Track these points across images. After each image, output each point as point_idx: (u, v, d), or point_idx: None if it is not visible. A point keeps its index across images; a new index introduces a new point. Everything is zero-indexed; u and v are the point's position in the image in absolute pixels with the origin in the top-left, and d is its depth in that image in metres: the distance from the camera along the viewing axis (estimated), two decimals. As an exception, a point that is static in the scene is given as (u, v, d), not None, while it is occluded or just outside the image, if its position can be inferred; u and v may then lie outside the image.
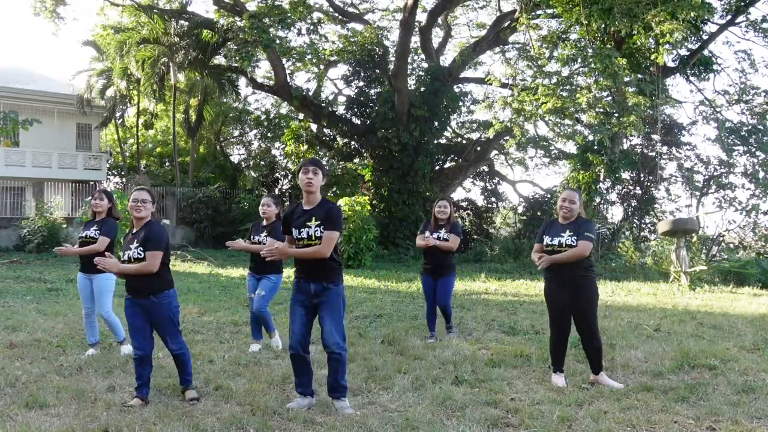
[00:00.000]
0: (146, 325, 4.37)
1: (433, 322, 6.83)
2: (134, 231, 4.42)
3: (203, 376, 5.03)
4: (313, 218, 4.19)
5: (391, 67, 21.67)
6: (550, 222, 5.07)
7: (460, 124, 26.99)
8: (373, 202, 20.68)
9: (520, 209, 27.43)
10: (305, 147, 26.35)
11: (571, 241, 4.78)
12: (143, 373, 4.38)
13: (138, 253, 4.31)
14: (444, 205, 6.86)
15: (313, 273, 4.21)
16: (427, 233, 6.73)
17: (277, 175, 27.62)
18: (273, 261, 5.83)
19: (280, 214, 6.02)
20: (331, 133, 25.44)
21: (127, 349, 5.85)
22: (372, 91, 23.36)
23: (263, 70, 26.07)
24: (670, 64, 17.75)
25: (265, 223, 6.16)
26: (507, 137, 19.50)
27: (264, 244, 5.87)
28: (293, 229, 4.25)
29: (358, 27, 24.39)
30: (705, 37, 18.12)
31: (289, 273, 6.66)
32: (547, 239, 4.89)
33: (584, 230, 4.81)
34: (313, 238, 4.17)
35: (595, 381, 4.91)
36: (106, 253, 4.32)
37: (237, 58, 19.23)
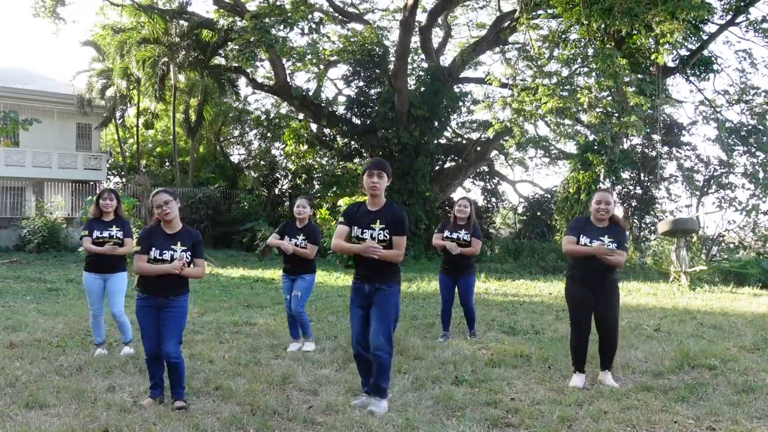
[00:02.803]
0: (157, 325, 4.36)
1: (448, 321, 6.81)
2: (170, 232, 4.36)
3: (203, 376, 5.03)
4: (378, 221, 4.25)
5: (391, 67, 21.66)
6: (584, 220, 5.00)
7: (460, 124, 26.98)
8: (373, 202, 20.63)
9: (520, 209, 27.47)
10: (305, 147, 26.36)
11: (612, 247, 4.77)
12: (157, 372, 4.39)
13: (188, 257, 4.33)
14: (465, 204, 6.72)
15: (370, 275, 4.28)
16: (447, 233, 6.64)
17: (277, 175, 27.60)
18: (307, 261, 6.03)
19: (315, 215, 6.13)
20: (331, 133, 25.43)
21: (130, 350, 5.86)
22: (372, 91, 23.35)
23: (263, 70, 26.09)
24: (670, 64, 17.76)
25: (299, 224, 6.13)
26: (507, 137, 19.51)
27: (301, 246, 6.01)
28: (355, 227, 4.27)
29: (358, 27, 24.38)
30: (705, 37, 18.13)
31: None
32: (584, 239, 4.82)
33: (623, 241, 4.84)
34: (377, 240, 4.23)
35: (600, 379, 4.90)
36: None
37: (239, 58, 19.23)
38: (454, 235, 6.61)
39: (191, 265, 4.36)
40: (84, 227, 5.89)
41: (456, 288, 6.79)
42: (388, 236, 4.24)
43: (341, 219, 4.39)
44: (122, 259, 5.94)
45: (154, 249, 4.29)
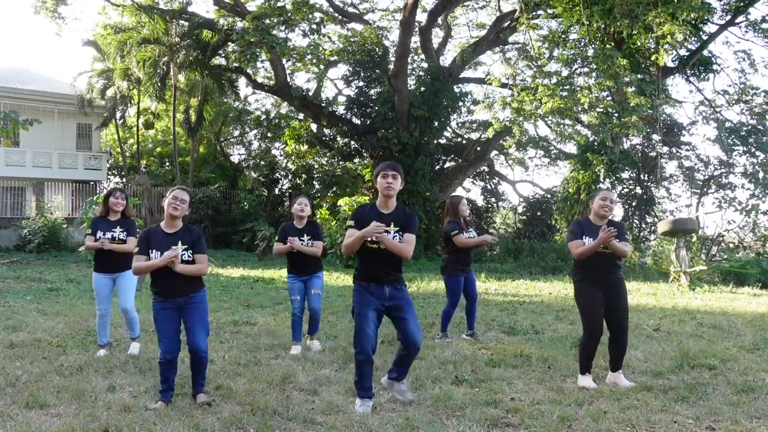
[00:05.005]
0: (178, 327, 4.37)
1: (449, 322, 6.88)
2: (170, 231, 4.37)
3: (203, 376, 5.03)
4: (392, 223, 4.22)
5: (391, 67, 21.67)
6: (583, 222, 5.01)
7: (460, 124, 27.00)
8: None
9: (520, 209, 27.49)
10: (305, 147, 26.37)
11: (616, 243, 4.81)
12: (170, 376, 4.36)
13: (188, 256, 4.33)
14: (466, 203, 7.01)
15: (388, 277, 4.23)
16: (467, 233, 6.74)
17: (277, 175, 27.61)
18: (317, 259, 6.08)
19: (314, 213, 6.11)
20: (331, 133, 25.44)
21: (137, 347, 5.87)
22: (372, 91, 23.36)
23: (264, 70, 26.11)
24: (670, 65, 17.76)
25: (299, 224, 6.11)
26: (507, 137, 19.53)
27: (309, 245, 6.03)
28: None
29: (358, 27, 24.40)
30: (705, 38, 18.13)
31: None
32: (587, 240, 4.84)
33: (623, 233, 4.89)
34: None
35: (613, 381, 4.90)
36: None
37: (240, 59, 19.22)
38: (471, 235, 6.75)
39: (193, 263, 4.36)
40: (91, 225, 5.86)
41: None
42: (400, 239, 4.25)
43: (350, 223, 4.27)
44: (129, 257, 5.94)
45: (153, 250, 4.29)
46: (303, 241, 6.05)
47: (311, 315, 6.22)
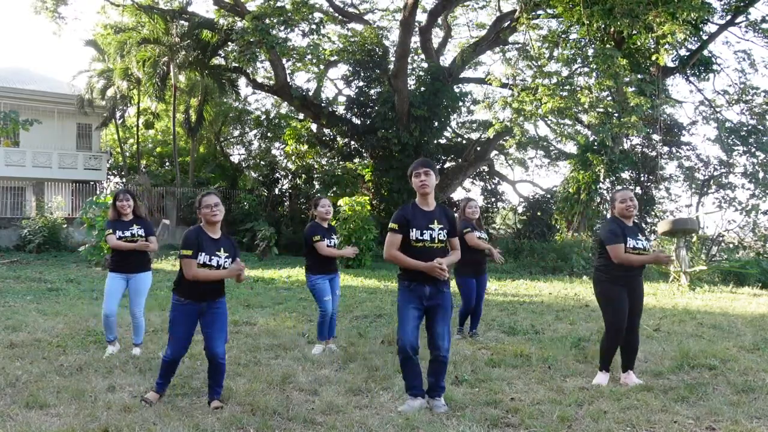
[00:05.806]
0: (193, 331, 4.40)
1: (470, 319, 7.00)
2: (214, 237, 4.36)
3: (203, 376, 5.02)
4: (436, 221, 4.25)
5: (391, 67, 21.68)
6: (620, 222, 4.91)
7: (460, 124, 27.00)
8: (373, 202, 20.70)
9: (520, 209, 27.48)
10: (305, 147, 26.37)
11: (649, 245, 4.84)
12: (170, 373, 4.41)
13: (228, 264, 4.35)
14: (476, 205, 7.10)
15: (430, 276, 4.22)
16: (477, 233, 6.82)
17: (277, 175, 27.60)
18: (335, 258, 6.07)
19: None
20: (331, 133, 25.45)
21: (138, 351, 5.85)
22: (372, 91, 23.37)
23: (264, 70, 26.11)
24: (670, 64, 17.78)
25: (325, 225, 6.12)
26: (507, 137, 19.55)
27: (337, 247, 6.09)
28: (413, 229, 4.21)
29: (358, 27, 24.41)
30: (705, 38, 18.15)
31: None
32: (631, 242, 4.77)
33: (648, 237, 4.91)
34: (437, 241, 4.24)
35: (626, 381, 4.90)
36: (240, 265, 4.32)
37: (240, 59, 19.23)
38: (480, 234, 6.85)
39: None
40: (107, 226, 5.80)
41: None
42: (445, 237, 4.28)
43: (394, 227, 4.22)
44: (148, 258, 5.90)
45: (203, 254, 4.27)
46: (333, 240, 6.10)
47: (332, 317, 6.19)
